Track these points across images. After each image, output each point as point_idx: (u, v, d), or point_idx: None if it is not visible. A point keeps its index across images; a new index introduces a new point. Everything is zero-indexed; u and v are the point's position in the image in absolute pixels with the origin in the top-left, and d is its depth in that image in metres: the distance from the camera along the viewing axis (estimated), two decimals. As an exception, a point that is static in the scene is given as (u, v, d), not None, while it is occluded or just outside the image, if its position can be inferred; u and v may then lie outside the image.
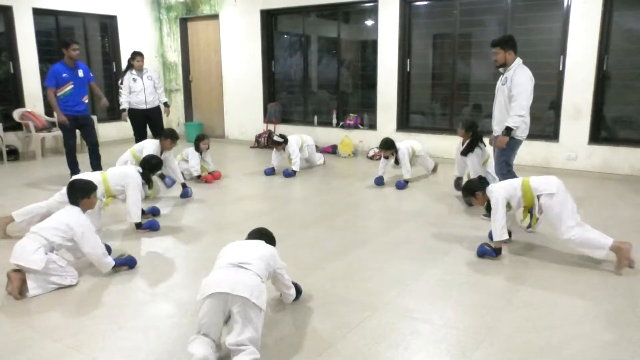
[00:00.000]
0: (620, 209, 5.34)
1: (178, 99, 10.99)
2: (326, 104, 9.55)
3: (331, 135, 9.04)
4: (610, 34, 6.63)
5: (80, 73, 6.48)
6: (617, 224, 4.76)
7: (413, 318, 3.02)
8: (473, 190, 4.09)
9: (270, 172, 7.08)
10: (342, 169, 7.63)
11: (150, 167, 4.94)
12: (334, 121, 9.18)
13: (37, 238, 3.43)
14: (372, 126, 8.73)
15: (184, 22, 10.67)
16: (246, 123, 10.11)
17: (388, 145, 6.25)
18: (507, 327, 2.91)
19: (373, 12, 8.44)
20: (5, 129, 8.25)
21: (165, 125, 7.86)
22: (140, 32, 10.47)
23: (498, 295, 3.32)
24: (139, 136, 7.29)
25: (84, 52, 9.66)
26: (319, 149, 8.92)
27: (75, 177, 4.34)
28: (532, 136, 7.05)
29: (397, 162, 6.34)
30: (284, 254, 4.02)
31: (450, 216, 5.14)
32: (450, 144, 7.71)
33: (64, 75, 6.29)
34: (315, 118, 9.46)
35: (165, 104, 7.62)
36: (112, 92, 9.49)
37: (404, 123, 8.48)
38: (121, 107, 7.36)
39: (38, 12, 8.71)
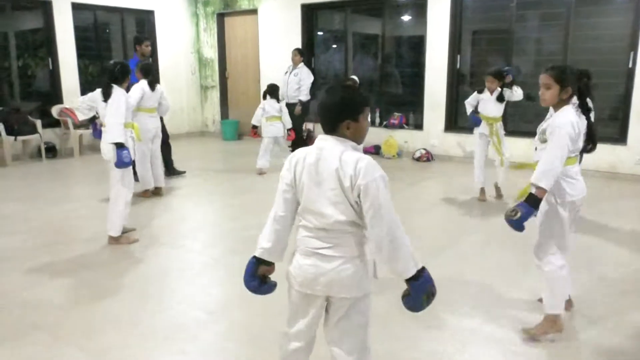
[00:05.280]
0: None
1: (214, 96, 10.75)
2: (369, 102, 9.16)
3: (374, 135, 8.60)
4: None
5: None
6: None
7: None
8: None
9: None
10: (386, 171, 7.21)
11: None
12: (377, 120, 8.79)
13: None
14: (418, 126, 8.31)
15: (221, 18, 10.41)
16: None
17: (501, 74, 5.34)
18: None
19: (421, 7, 8.00)
20: (44, 126, 8.07)
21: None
22: (177, 28, 10.26)
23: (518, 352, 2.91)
24: None
25: (120, 48, 9.55)
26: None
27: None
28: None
29: (500, 99, 5.31)
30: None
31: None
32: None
33: None
34: (357, 117, 9.08)
35: (300, 102, 7.75)
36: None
37: (453, 123, 8.03)
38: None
39: (77, 7, 8.55)
